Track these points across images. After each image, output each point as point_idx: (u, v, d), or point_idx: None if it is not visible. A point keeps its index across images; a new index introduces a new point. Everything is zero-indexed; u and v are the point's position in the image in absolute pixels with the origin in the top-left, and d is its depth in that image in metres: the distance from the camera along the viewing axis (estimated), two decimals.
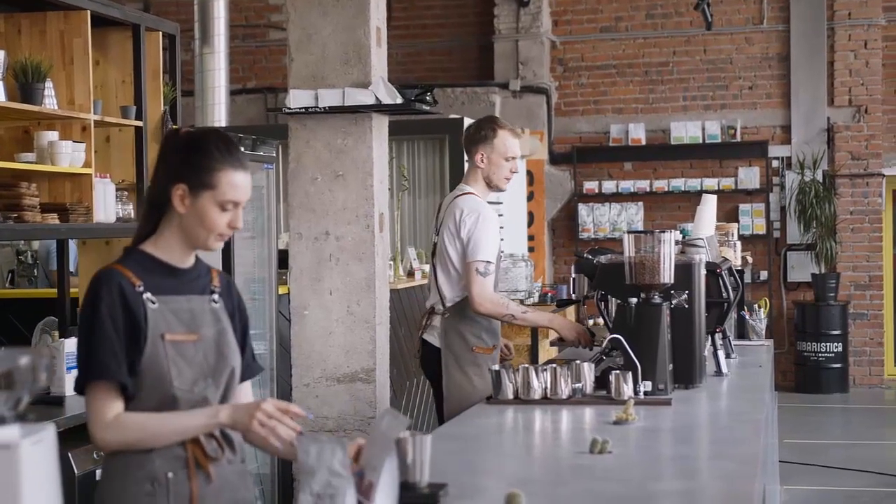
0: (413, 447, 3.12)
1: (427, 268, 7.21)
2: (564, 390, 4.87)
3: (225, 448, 3.32)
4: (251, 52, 15.82)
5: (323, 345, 6.36)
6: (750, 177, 14.66)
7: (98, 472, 5.17)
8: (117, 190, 6.61)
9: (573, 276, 5.91)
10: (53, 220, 6.05)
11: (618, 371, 4.89)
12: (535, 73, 15.02)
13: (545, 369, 4.91)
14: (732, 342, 6.48)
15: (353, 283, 6.34)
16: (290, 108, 6.32)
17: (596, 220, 14.99)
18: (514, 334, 9.70)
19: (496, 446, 4.34)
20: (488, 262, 5.78)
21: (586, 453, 3.85)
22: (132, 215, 6.69)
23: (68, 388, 5.61)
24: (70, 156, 6.16)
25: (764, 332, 7.73)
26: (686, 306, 5.23)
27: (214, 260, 4.04)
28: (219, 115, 9.83)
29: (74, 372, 5.58)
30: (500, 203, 11.06)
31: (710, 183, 14.60)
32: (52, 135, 6.19)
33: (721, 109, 14.95)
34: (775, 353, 8.84)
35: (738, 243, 8.04)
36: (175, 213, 3.31)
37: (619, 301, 5.25)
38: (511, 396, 4.90)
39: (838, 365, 14.22)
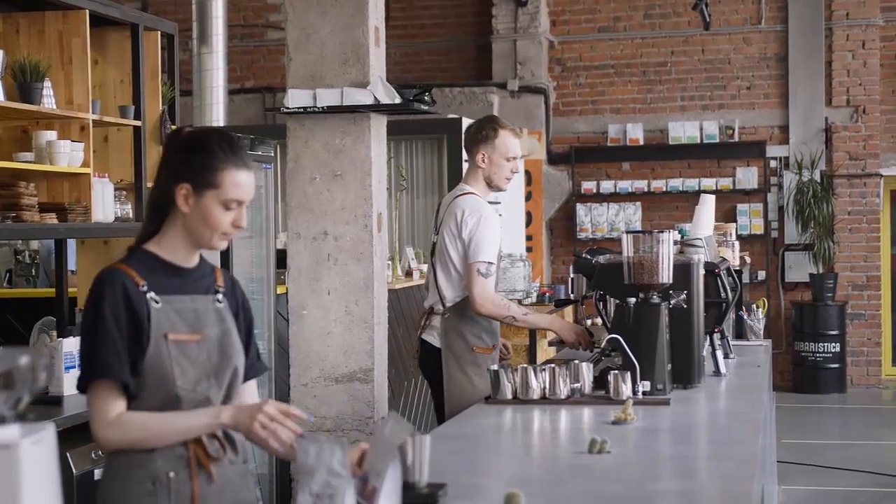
0: (412, 447, 3.11)
1: (425, 268, 7.20)
2: (563, 390, 4.87)
3: (227, 448, 3.32)
4: (249, 52, 15.82)
5: (321, 345, 6.36)
6: (748, 177, 14.67)
7: (97, 471, 5.20)
8: (116, 190, 6.60)
9: (572, 275, 5.92)
10: (52, 219, 6.05)
11: (616, 371, 4.89)
12: (533, 73, 15.02)
13: (544, 369, 4.91)
14: (731, 342, 6.49)
15: (351, 282, 6.34)
16: (288, 108, 6.32)
17: (594, 220, 14.99)
18: (512, 334, 9.70)
19: (495, 446, 4.35)
20: (490, 262, 5.77)
21: (585, 453, 3.85)
22: (130, 215, 6.69)
23: (66, 388, 5.61)
24: (68, 155, 6.16)
25: (762, 332, 7.73)
26: (685, 306, 5.23)
27: (212, 260, 4.04)
28: (217, 114, 9.81)
29: (73, 371, 5.64)
30: (499, 203, 11.05)
31: (708, 183, 14.60)
32: (51, 134, 6.18)
33: (719, 109, 14.95)
34: (773, 353, 8.84)
35: (737, 243, 8.04)
36: (179, 212, 3.32)
37: (617, 301, 5.25)
38: (510, 396, 4.90)
39: (836, 365, 14.23)
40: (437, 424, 5.72)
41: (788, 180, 14.54)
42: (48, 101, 6.11)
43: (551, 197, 15.08)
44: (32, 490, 2.01)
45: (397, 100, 6.26)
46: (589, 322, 7.87)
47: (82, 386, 3.29)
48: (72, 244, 7.33)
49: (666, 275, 5.07)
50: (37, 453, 2.03)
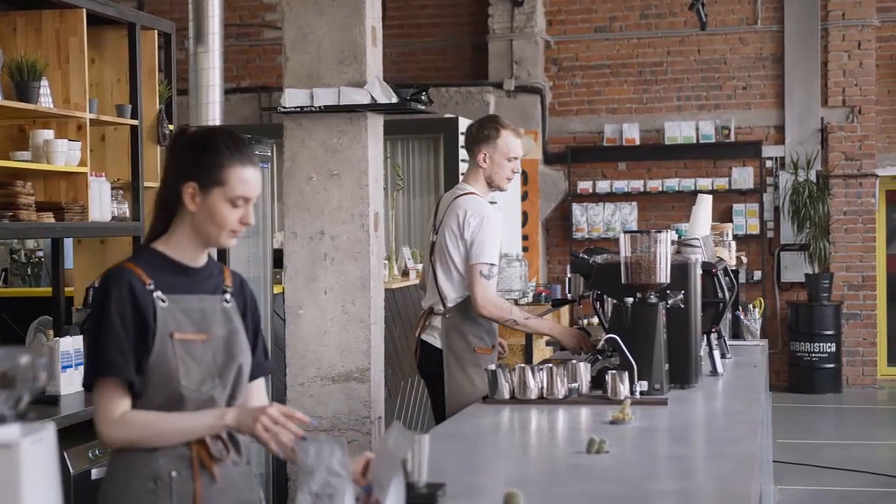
0: (412, 447, 3.11)
1: (421, 267, 7.20)
2: (561, 390, 4.87)
3: (230, 449, 3.33)
4: (245, 51, 15.81)
5: (318, 344, 6.36)
6: (744, 177, 14.67)
7: (94, 471, 5.19)
8: (112, 189, 6.60)
9: (569, 275, 5.92)
10: (49, 218, 6.04)
11: (614, 371, 4.89)
12: (529, 73, 15.02)
13: (541, 369, 4.90)
14: (727, 342, 6.49)
15: (347, 282, 6.34)
16: (285, 107, 6.32)
17: (590, 219, 14.99)
18: (508, 334, 9.69)
19: (493, 446, 4.35)
20: (492, 264, 5.75)
21: (583, 453, 3.85)
22: (127, 214, 6.68)
23: (64, 388, 5.60)
24: (65, 154, 6.15)
25: (759, 332, 7.73)
26: (682, 306, 5.23)
27: None
28: (213, 114, 9.81)
29: (70, 371, 5.64)
30: (495, 203, 11.04)
31: (704, 183, 14.61)
32: (48, 133, 6.18)
33: (715, 109, 14.96)
34: (769, 353, 8.84)
35: (733, 243, 8.05)
36: (186, 211, 3.32)
37: (615, 301, 5.25)
38: (507, 396, 4.90)
39: (831, 365, 14.24)
40: (435, 425, 5.72)
41: (784, 180, 14.55)
42: (45, 100, 6.11)
43: (547, 197, 15.09)
44: (33, 490, 2.00)
45: (394, 99, 6.26)
46: (585, 322, 7.87)
47: (87, 383, 3.30)
48: (68, 243, 7.33)
49: (663, 275, 5.07)
50: (37, 453, 2.03)
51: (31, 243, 9.54)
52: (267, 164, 7.74)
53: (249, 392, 3.48)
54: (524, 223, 14.50)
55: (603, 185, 14.96)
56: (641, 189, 14.88)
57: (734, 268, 7.45)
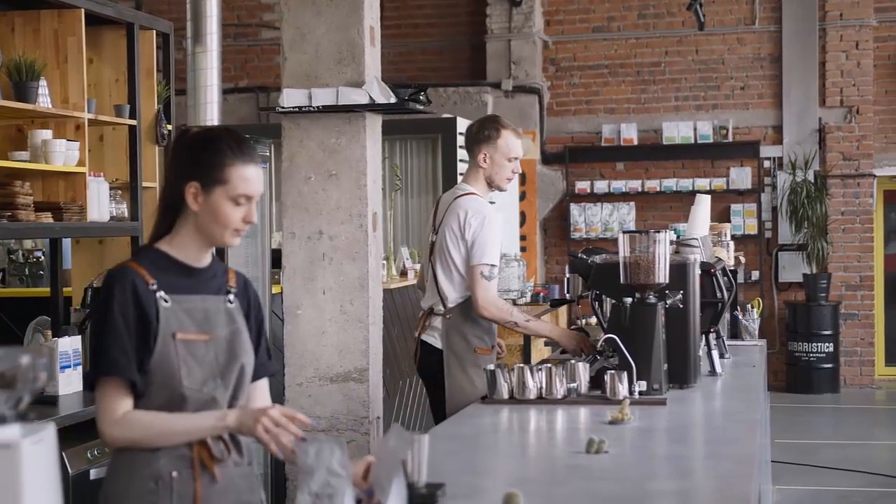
0: (411, 448, 3.11)
1: (419, 267, 7.19)
2: (559, 390, 4.87)
3: (231, 450, 3.33)
4: (243, 52, 15.80)
5: (316, 344, 6.36)
6: (741, 177, 14.68)
7: (92, 471, 5.19)
8: (111, 189, 6.59)
9: (567, 275, 5.91)
10: (47, 218, 6.03)
11: (613, 371, 4.89)
12: (527, 73, 15.02)
13: (540, 369, 4.90)
14: (726, 342, 6.49)
15: (346, 282, 6.34)
16: (283, 108, 6.32)
17: (588, 219, 14.99)
18: (506, 334, 9.68)
19: (492, 446, 4.35)
20: (493, 265, 5.73)
21: (583, 453, 3.85)
22: (126, 214, 6.68)
23: (62, 388, 5.60)
24: (64, 154, 6.15)
25: (757, 332, 7.73)
26: (681, 306, 5.23)
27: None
28: (211, 114, 9.80)
29: (69, 371, 5.64)
30: (493, 203, 11.04)
31: (702, 183, 14.62)
32: (46, 133, 6.17)
33: (713, 110, 14.96)
34: (766, 353, 8.84)
35: (731, 243, 8.04)
36: (190, 211, 3.33)
37: (613, 301, 5.25)
38: (506, 396, 4.90)
39: (829, 365, 14.25)
40: (434, 425, 5.72)
41: (782, 180, 14.56)
42: (43, 100, 6.10)
43: (545, 197, 15.09)
44: (33, 490, 2.00)
45: (392, 99, 6.26)
46: (583, 322, 7.85)
47: (90, 383, 3.32)
48: (66, 243, 7.32)
49: (662, 275, 5.07)
50: (37, 453, 2.03)
51: (28, 243, 9.53)
52: (265, 164, 7.74)
53: (252, 392, 3.49)
54: (522, 223, 14.51)
55: (601, 186, 14.96)
56: (639, 189, 14.88)
57: (732, 268, 7.44)
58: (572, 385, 4.92)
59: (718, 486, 3.56)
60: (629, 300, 5.07)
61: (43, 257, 9.47)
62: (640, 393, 4.90)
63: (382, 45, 6.64)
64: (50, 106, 6.16)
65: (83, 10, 6.32)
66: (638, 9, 15.08)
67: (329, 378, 6.36)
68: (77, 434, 5.17)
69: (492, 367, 5.04)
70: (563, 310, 12.54)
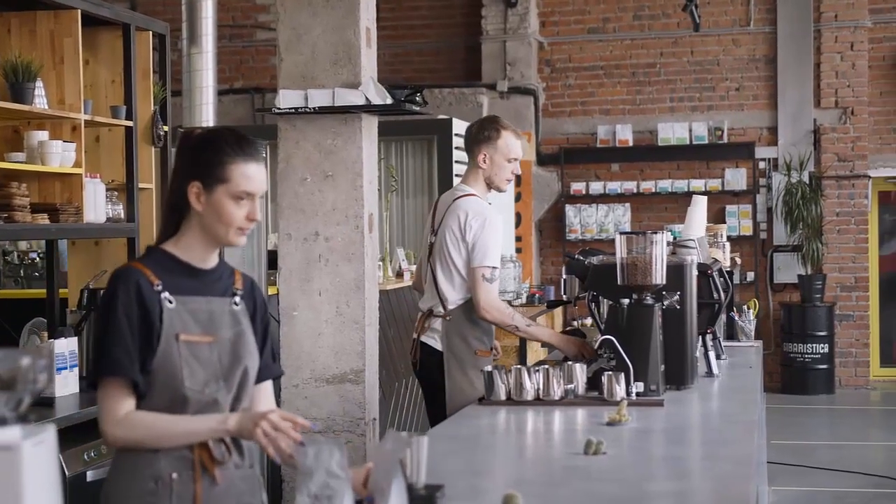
0: (410, 449, 3.11)
1: (415, 268, 7.18)
2: (557, 391, 4.87)
3: (233, 452, 3.33)
4: (238, 53, 15.80)
5: (312, 346, 6.35)
6: (737, 178, 14.69)
7: (89, 473, 5.19)
8: (107, 190, 6.58)
9: (564, 276, 5.90)
10: (44, 220, 6.03)
11: (610, 372, 4.89)
12: (522, 74, 15.02)
13: (538, 370, 4.90)
14: (722, 343, 6.49)
15: (342, 283, 6.33)
16: (279, 109, 6.31)
17: (583, 221, 14.99)
18: (502, 335, 9.70)
19: (491, 447, 4.35)
20: (494, 267, 5.72)
21: (581, 454, 3.85)
22: (122, 215, 6.67)
23: (59, 390, 5.59)
24: (60, 156, 6.14)
25: (753, 333, 7.74)
26: (678, 307, 5.24)
27: None
28: (206, 115, 9.79)
29: (65, 373, 5.62)
30: (489, 203, 11.04)
31: (697, 184, 14.63)
32: (42, 134, 6.16)
33: (708, 111, 14.97)
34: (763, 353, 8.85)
35: (727, 244, 8.05)
36: (194, 212, 3.33)
37: (611, 302, 5.25)
38: (503, 397, 4.90)
39: (824, 366, 14.25)
40: (430, 426, 5.71)
41: (777, 181, 14.56)
42: (40, 101, 6.09)
43: (540, 198, 15.09)
44: (34, 491, 2.00)
45: (389, 100, 6.25)
46: (578, 323, 7.88)
47: (92, 382, 3.32)
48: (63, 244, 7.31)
49: (659, 276, 5.07)
50: (38, 455, 2.03)
51: (23, 245, 9.53)
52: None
53: (256, 394, 3.49)
54: (517, 224, 14.50)
55: (596, 187, 14.96)
56: (634, 190, 14.88)
57: (728, 269, 7.45)
58: (569, 386, 4.92)
59: (717, 487, 3.57)
60: (626, 301, 5.07)
61: (38, 259, 9.47)
62: (638, 394, 4.91)
63: (378, 46, 6.64)
64: (46, 107, 6.15)
65: (79, 11, 6.32)
66: (633, 10, 15.09)
67: (325, 379, 6.35)
68: (74, 436, 5.17)
69: (489, 368, 5.03)
70: (558, 311, 12.54)
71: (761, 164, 14.80)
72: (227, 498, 3.33)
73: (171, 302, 3.28)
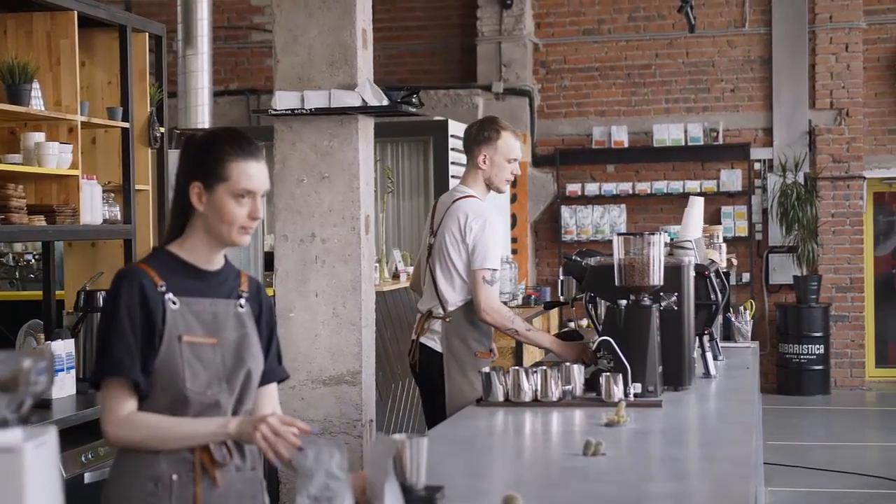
0: (410, 450, 3.11)
1: (412, 270, 7.18)
2: (555, 392, 4.87)
3: (234, 454, 3.33)
4: (233, 54, 15.79)
5: (309, 347, 6.35)
6: (732, 179, 14.70)
7: (87, 475, 5.18)
8: (104, 192, 6.58)
9: (561, 278, 5.88)
10: (40, 221, 6.02)
11: (608, 373, 4.89)
12: (517, 76, 15.03)
13: (535, 371, 4.90)
14: (719, 344, 6.49)
15: (338, 285, 6.33)
16: (275, 110, 6.31)
17: (579, 222, 15.00)
18: (499, 336, 9.69)
19: (489, 449, 4.35)
20: (494, 269, 5.71)
21: (580, 455, 3.85)
22: (118, 217, 6.66)
23: (56, 392, 5.58)
24: (57, 157, 6.13)
25: (749, 333, 7.74)
26: (675, 308, 5.23)
27: None
28: (202, 116, 9.79)
29: (62, 375, 5.62)
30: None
31: (693, 185, 14.64)
32: (39, 136, 6.15)
33: (703, 112, 14.98)
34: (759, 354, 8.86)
35: (724, 245, 8.05)
36: (197, 213, 3.33)
37: (608, 303, 5.25)
38: (501, 398, 4.90)
39: (820, 367, 14.26)
40: (426, 428, 5.71)
41: (772, 182, 14.57)
42: (36, 102, 6.08)
43: (536, 199, 15.09)
44: (35, 493, 2.00)
45: (385, 102, 6.25)
46: (573, 324, 7.88)
47: (95, 382, 3.32)
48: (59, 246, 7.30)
49: (657, 277, 5.07)
50: (40, 457, 2.02)
51: (18, 247, 9.51)
52: None
53: (261, 397, 3.50)
54: (513, 225, 14.50)
55: (591, 188, 14.96)
56: (630, 191, 14.89)
57: (725, 270, 7.46)
58: (567, 387, 4.91)
59: (716, 488, 3.57)
60: (624, 302, 5.07)
61: (33, 260, 9.45)
62: (636, 395, 4.90)
63: (373, 47, 6.64)
64: (43, 109, 6.14)
65: (76, 13, 6.31)
66: (628, 11, 15.10)
67: (322, 381, 6.35)
68: (71, 438, 5.16)
69: (487, 369, 5.02)
70: (554, 312, 12.54)
71: (756, 166, 14.81)
72: (227, 500, 3.32)
73: (174, 303, 3.28)
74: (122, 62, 6.75)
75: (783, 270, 14.65)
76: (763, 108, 14.84)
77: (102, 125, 6.67)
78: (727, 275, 7.08)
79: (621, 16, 15.11)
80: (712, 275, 5.88)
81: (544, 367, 4.94)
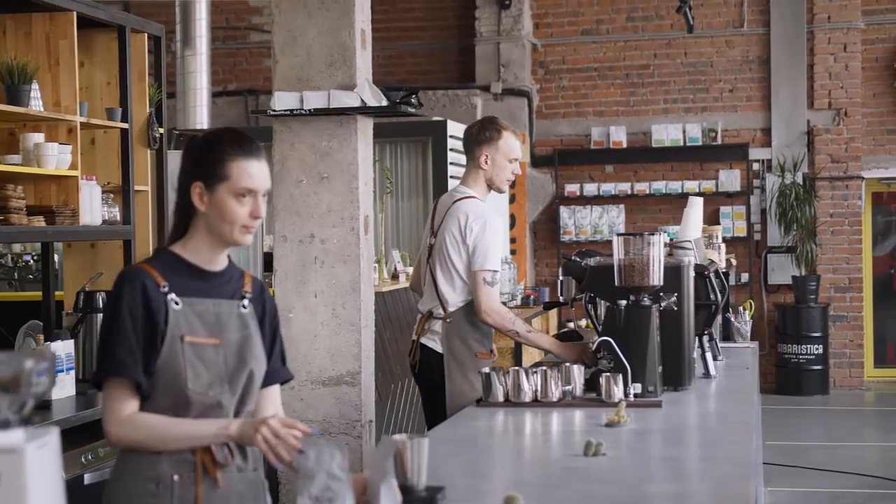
0: (411, 450, 3.11)
1: (411, 270, 7.18)
2: (555, 393, 4.87)
3: (235, 455, 3.32)
4: (232, 55, 15.79)
5: (308, 347, 6.35)
6: (730, 179, 14.71)
7: (87, 476, 5.17)
8: (103, 192, 6.57)
9: (560, 278, 5.88)
10: (39, 222, 6.02)
11: (608, 373, 4.89)
12: (516, 76, 15.03)
13: (535, 372, 4.90)
14: (718, 344, 6.49)
15: (338, 285, 6.33)
16: (274, 111, 6.31)
17: (577, 222, 15.00)
18: (498, 337, 9.68)
19: (490, 449, 4.34)
20: (495, 271, 5.70)
21: (580, 456, 3.84)
22: (118, 218, 6.66)
23: (55, 393, 5.58)
24: (56, 158, 6.13)
25: (749, 334, 7.74)
26: (675, 308, 5.23)
27: None
28: (200, 117, 9.80)
29: (62, 375, 5.61)
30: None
31: (691, 185, 14.64)
32: (38, 137, 6.15)
33: (702, 112, 14.98)
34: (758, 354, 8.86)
35: (723, 246, 8.05)
36: (199, 213, 3.33)
37: (608, 303, 5.25)
38: (501, 399, 4.89)
39: (819, 367, 14.27)
40: (427, 428, 5.70)
41: (771, 183, 14.58)
42: (35, 103, 6.08)
43: (535, 199, 15.09)
44: (37, 494, 2.00)
45: (384, 102, 6.25)
46: (573, 324, 7.88)
47: (97, 383, 3.32)
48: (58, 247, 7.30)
49: (656, 277, 5.07)
50: (42, 458, 2.02)
51: (17, 247, 9.51)
52: None
53: (263, 398, 3.50)
54: (512, 226, 14.50)
55: (590, 188, 14.96)
56: (629, 192, 14.89)
57: (724, 270, 7.46)
58: (567, 388, 4.91)
59: (716, 488, 3.57)
60: (624, 303, 5.07)
61: (32, 261, 9.45)
62: (636, 395, 4.90)
63: (372, 48, 6.64)
64: (42, 109, 6.14)
65: (75, 13, 6.30)
66: (627, 11, 15.10)
67: (321, 381, 6.35)
68: (70, 439, 5.15)
69: (487, 370, 5.02)
70: (553, 312, 12.54)
71: (755, 166, 14.81)
72: (228, 501, 3.32)
73: (177, 303, 3.29)
74: (121, 63, 6.75)
75: (782, 270, 14.65)
76: (761, 109, 14.85)
77: (102, 126, 6.67)
78: (726, 275, 7.07)
79: (620, 16, 15.12)
80: (712, 275, 5.88)
81: (544, 368, 4.94)
